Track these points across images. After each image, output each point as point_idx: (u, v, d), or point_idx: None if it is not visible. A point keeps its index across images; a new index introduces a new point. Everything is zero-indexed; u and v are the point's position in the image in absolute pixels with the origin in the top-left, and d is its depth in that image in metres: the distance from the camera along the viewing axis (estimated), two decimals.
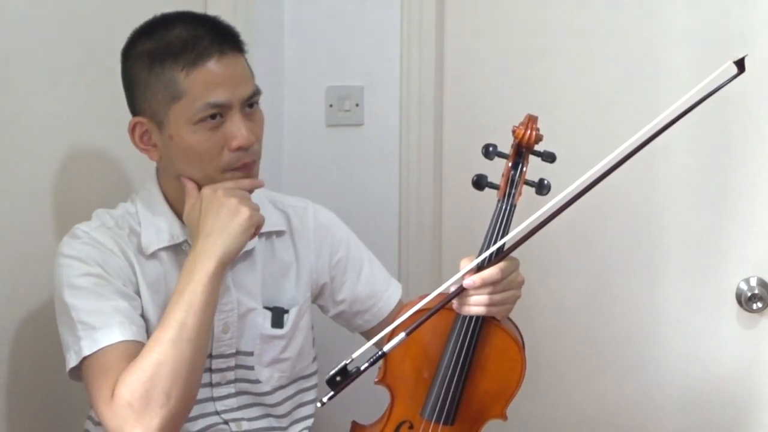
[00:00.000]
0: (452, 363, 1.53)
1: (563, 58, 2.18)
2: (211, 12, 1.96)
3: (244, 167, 1.49)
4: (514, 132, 1.53)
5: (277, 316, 1.60)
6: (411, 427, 1.58)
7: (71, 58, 1.70)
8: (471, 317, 1.51)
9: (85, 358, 1.40)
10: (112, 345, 1.39)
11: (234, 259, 1.45)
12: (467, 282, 1.42)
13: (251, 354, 1.58)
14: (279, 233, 1.64)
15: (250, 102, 1.49)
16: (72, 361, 1.41)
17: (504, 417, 1.59)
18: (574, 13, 2.17)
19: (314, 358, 1.71)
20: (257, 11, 2.11)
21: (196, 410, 1.51)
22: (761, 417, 2.13)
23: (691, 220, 2.13)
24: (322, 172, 2.30)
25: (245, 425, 1.58)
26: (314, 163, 2.30)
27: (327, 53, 2.28)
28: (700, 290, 2.12)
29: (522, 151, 1.54)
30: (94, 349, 1.39)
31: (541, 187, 1.53)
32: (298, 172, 2.30)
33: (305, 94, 2.29)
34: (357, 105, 2.27)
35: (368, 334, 1.72)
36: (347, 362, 1.32)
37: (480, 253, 1.48)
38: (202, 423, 1.55)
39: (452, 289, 1.44)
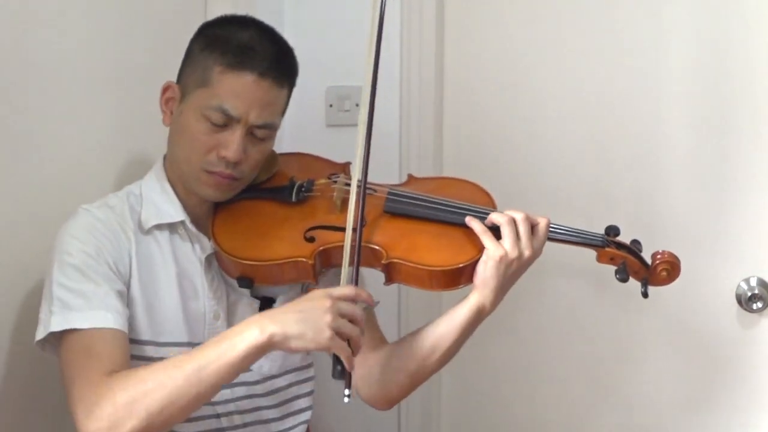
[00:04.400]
0: None
1: (563, 58, 2.18)
2: (211, 11, 1.97)
3: (219, 176, 1.52)
4: None
5: (265, 305, 1.61)
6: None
7: (77, 60, 1.71)
8: None
9: (66, 332, 1.42)
10: (99, 329, 1.42)
11: (281, 349, 1.39)
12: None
13: None
14: None
15: (260, 131, 1.53)
16: (40, 334, 1.44)
17: None
18: (575, 14, 2.18)
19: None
20: (257, 11, 2.10)
21: None
22: (761, 417, 2.12)
23: (691, 220, 2.13)
24: None
25: (237, 419, 1.59)
26: None
27: (327, 53, 2.27)
28: (700, 290, 2.11)
29: None
30: (84, 326, 1.41)
31: None
32: None
33: (305, 94, 2.28)
34: (357, 105, 2.27)
35: None
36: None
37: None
38: (196, 411, 1.55)
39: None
